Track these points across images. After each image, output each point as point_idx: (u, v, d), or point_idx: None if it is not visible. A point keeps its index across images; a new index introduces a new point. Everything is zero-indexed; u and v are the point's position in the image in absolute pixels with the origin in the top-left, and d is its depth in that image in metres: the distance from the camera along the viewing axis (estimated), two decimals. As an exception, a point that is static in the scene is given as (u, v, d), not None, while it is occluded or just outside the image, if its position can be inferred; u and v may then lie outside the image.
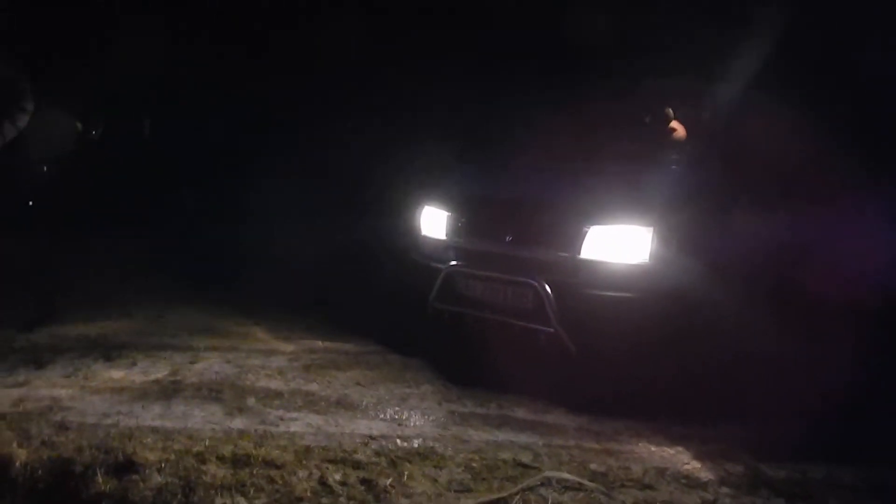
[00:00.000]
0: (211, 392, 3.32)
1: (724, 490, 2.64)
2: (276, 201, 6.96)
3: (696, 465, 2.84)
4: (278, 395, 3.34)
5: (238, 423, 2.99)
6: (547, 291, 3.43)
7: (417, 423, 3.13)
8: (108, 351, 3.90)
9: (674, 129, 4.22)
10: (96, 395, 3.23)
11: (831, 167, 4.36)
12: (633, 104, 4.49)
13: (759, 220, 3.82)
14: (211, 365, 3.74)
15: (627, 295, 3.35)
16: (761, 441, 3.06)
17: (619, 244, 3.40)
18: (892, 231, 4.54)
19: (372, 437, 2.92)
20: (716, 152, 3.87)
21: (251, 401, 3.24)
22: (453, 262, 3.83)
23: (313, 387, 3.49)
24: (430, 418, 3.19)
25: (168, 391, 3.31)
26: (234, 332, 4.50)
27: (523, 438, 3.03)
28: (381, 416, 3.18)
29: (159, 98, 8.74)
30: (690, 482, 2.69)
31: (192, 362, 3.78)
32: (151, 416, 3.02)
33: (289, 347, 4.21)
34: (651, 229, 3.35)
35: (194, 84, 8.68)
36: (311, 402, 3.27)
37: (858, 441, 3.15)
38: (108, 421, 2.93)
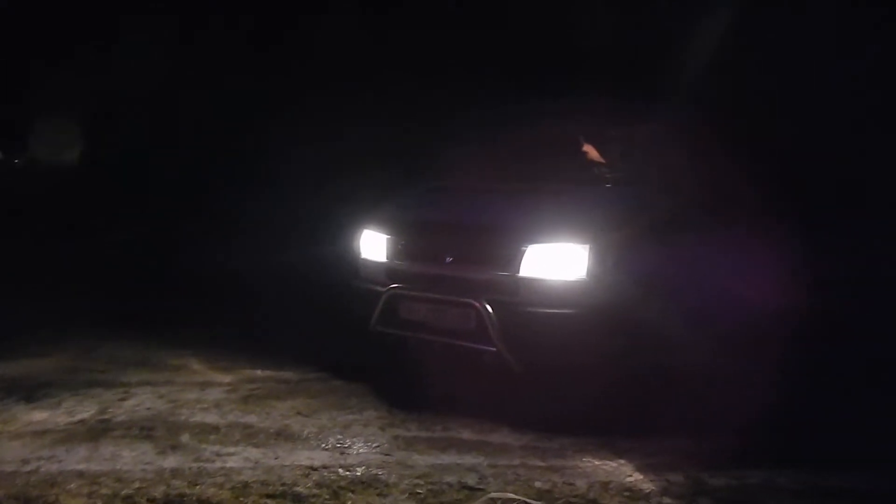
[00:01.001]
0: (142, 430, 3.17)
1: (667, 500, 2.68)
2: (213, 226, 6.81)
3: (639, 477, 2.87)
4: (214, 429, 3.22)
5: (171, 461, 2.86)
6: (488, 311, 3.44)
7: (360, 450, 3.06)
8: (31, 391, 3.69)
9: (586, 153, 4.33)
10: (16, 440, 3.03)
11: (758, 188, 4.58)
12: (569, 125, 4.61)
13: (690, 238, 3.95)
14: (142, 401, 3.58)
15: (566, 311, 3.39)
16: (701, 451, 3.12)
17: (557, 262, 3.44)
18: (808, 250, 4.80)
19: (313, 468, 2.84)
20: (649, 172, 3.98)
21: (185, 437, 3.11)
22: (394, 285, 3.80)
23: (252, 419, 3.37)
24: (374, 445, 3.13)
25: (95, 432, 3.14)
26: (169, 365, 4.32)
27: (469, 460, 3.00)
28: (323, 445, 3.10)
29: (96, 124, 8.48)
30: (634, 494, 2.72)
31: (122, 399, 3.61)
32: (77, 459, 2.85)
33: (226, 378, 4.07)
34: (587, 247, 3.40)
35: (130, 109, 8.46)
36: (249, 435, 3.16)
37: (792, 446, 3.26)
38: (29, 468, 2.76)
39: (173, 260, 6.94)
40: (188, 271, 6.45)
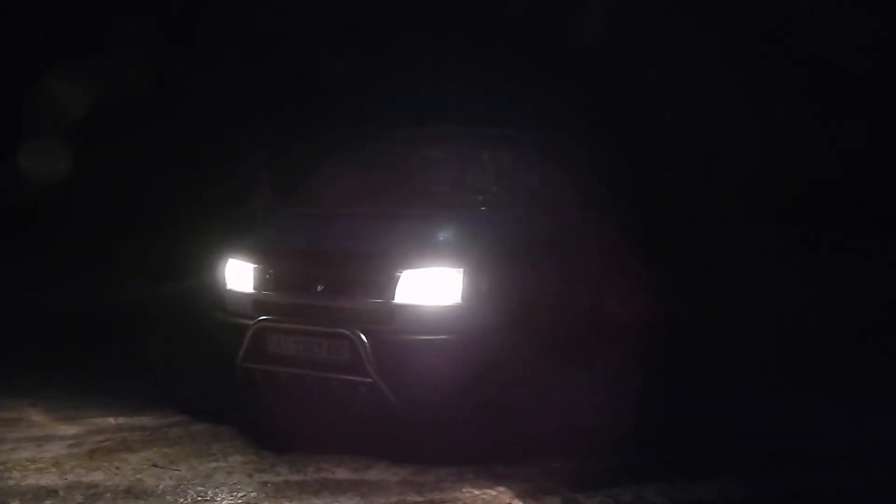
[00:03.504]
0: (-41, 501, 2.72)
1: (544, 525, 2.67)
2: (54, 260, 6.18)
3: (517, 503, 2.84)
4: (51, 492, 2.82)
5: (-7, 536, 2.47)
6: (362, 340, 3.31)
7: (224, 502, 2.80)
8: None
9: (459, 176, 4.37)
10: None
11: (629, 205, 4.83)
12: (441, 149, 4.62)
13: (564, 259, 4.05)
14: (-37, 466, 3.09)
15: (442, 337, 3.33)
16: (576, 472, 3.17)
17: (432, 287, 3.38)
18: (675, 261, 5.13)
19: (168, 529, 2.56)
20: (522, 194, 4.05)
21: (14, 505, 2.71)
22: (262, 317, 3.57)
23: (97, 476, 3.00)
24: (240, 495, 2.87)
25: None
26: (1, 419, 3.79)
27: (344, 501, 2.84)
28: (181, 500, 2.80)
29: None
30: (512, 522, 2.68)
31: (-64, 465, 3.10)
32: None
33: (71, 430, 3.63)
34: (461, 270, 3.38)
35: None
36: (93, 496, 2.80)
37: (660, 458, 3.39)
38: None
39: (8, 294, 6.20)
40: (24, 309, 5.78)
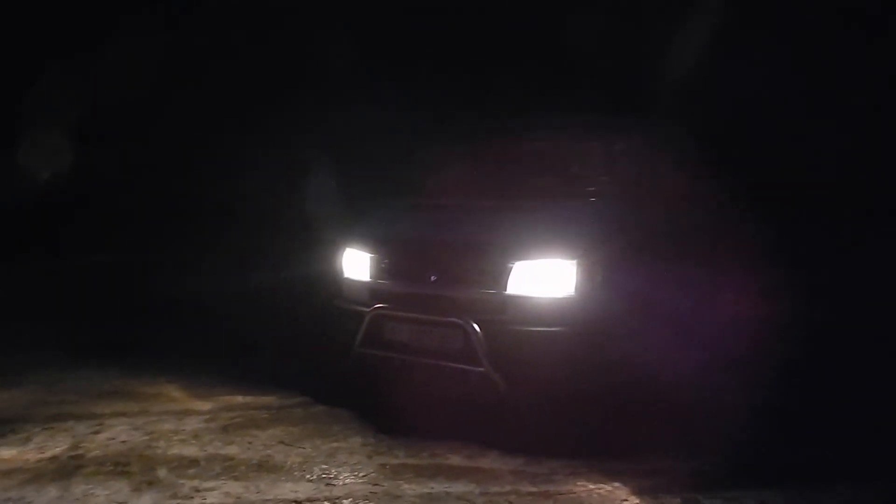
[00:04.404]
0: (116, 466, 3.02)
1: (665, 525, 2.61)
2: (193, 246, 6.66)
3: (635, 500, 2.80)
4: (193, 462, 3.08)
5: (147, 499, 2.72)
6: (475, 330, 3.36)
7: (347, 480, 2.95)
8: (-2, 426, 3.52)
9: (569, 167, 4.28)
10: (-19, 481, 2.87)
11: (739, 202, 4.60)
12: (551, 139, 4.56)
13: (677, 253, 3.92)
14: (117, 434, 3.42)
15: (555, 329, 3.32)
16: (694, 472, 3.07)
17: (545, 279, 3.37)
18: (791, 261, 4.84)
19: (297, 502, 2.72)
20: (632, 186, 3.94)
21: (162, 472, 2.97)
22: (378, 305, 3.70)
23: (232, 449, 3.24)
24: (361, 474, 3.01)
25: (67, 469, 2.99)
26: (144, 394, 4.16)
27: (459, 487, 2.90)
28: (308, 476, 2.98)
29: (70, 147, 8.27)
30: (631, 520, 2.65)
31: (95, 432, 3.45)
32: (47, 500, 2.70)
33: (205, 406, 3.93)
34: (575, 262, 3.34)
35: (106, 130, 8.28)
36: (229, 468, 3.03)
37: (783, 463, 3.22)
38: (-6, 511, 2.60)
39: (145, 283, 6.77)
40: (161, 294, 6.29)
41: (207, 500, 2.71)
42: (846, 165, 6.25)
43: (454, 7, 7.22)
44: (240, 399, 4.08)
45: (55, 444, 3.29)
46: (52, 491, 2.78)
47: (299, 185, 7.08)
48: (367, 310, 3.71)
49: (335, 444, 3.34)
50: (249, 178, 7.54)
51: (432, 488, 2.89)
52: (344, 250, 4.07)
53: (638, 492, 2.87)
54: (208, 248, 7.20)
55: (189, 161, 8.00)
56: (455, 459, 3.20)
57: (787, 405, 3.89)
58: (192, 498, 2.74)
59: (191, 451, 3.22)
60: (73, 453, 3.17)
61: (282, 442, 3.35)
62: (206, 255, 7.17)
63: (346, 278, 4.02)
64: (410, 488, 2.88)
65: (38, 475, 2.93)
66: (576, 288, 3.33)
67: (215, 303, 6.25)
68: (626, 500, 2.81)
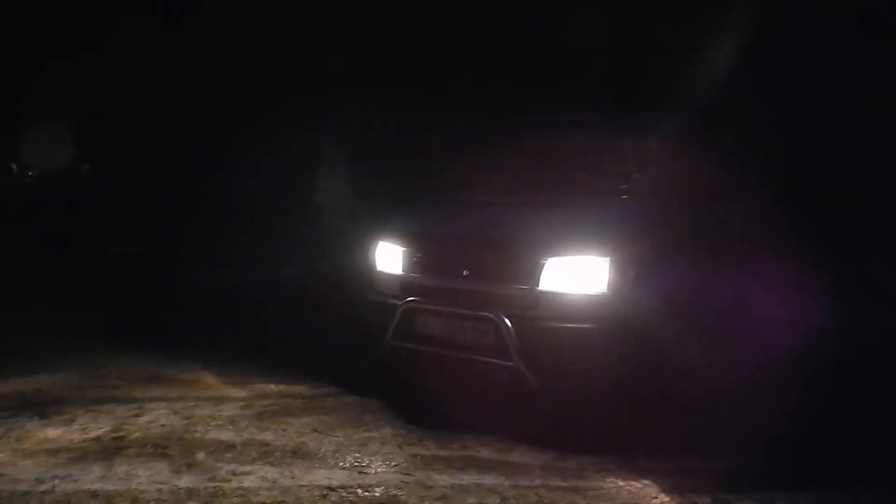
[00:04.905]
0: (157, 448, 3.12)
1: (695, 524, 2.61)
2: (215, 240, 6.79)
3: (665, 499, 2.80)
4: (230, 447, 3.17)
5: (186, 481, 2.81)
6: (507, 325, 3.38)
7: (379, 469, 3.01)
8: (44, 407, 3.65)
9: (599, 164, 4.27)
10: (30, 459, 2.99)
11: (770, 201, 4.53)
12: (580, 136, 4.55)
13: (710, 251, 3.89)
14: (156, 417, 3.53)
15: (587, 326, 3.33)
16: (724, 472, 3.05)
17: (577, 275, 3.38)
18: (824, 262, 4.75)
19: (331, 489, 2.78)
20: (664, 184, 3.92)
21: (200, 455, 3.06)
22: (410, 299, 3.75)
23: (267, 436, 3.32)
24: (392, 464, 3.07)
25: (110, 450, 3.10)
26: (181, 380, 4.27)
27: (489, 480, 2.94)
28: (341, 464, 3.04)
29: (99, 140, 8.49)
30: (661, 517, 2.65)
31: (135, 415, 3.56)
32: (91, 478, 2.80)
33: (240, 393, 4.02)
34: (608, 259, 3.35)
35: (133, 123, 8.46)
36: (265, 454, 3.11)
37: (815, 465, 3.18)
38: (43, 487, 2.71)
39: (176, 274, 6.92)
40: (192, 285, 6.41)
41: (245, 484, 2.79)
42: (880, 162, 6.11)
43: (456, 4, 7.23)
44: (273, 388, 4.17)
45: (98, 426, 3.41)
46: (97, 470, 2.88)
47: (314, 179, 7.17)
48: (400, 303, 3.76)
49: (366, 434, 3.40)
50: (271, 172, 7.64)
51: (462, 480, 2.93)
52: (377, 244, 4.13)
53: (668, 490, 2.87)
54: (237, 241, 7.34)
55: (213, 156, 8.15)
56: (485, 452, 3.24)
57: (823, 406, 3.84)
58: (230, 481, 2.82)
59: (227, 436, 3.30)
60: (115, 435, 3.28)
61: (315, 430, 3.42)
62: (235, 248, 7.31)
63: (379, 271, 4.07)
64: (441, 479, 2.92)
65: (83, 454, 3.04)
66: (608, 285, 3.34)
67: (246, 294, 6.37)
68: (655, 497, 2.82)
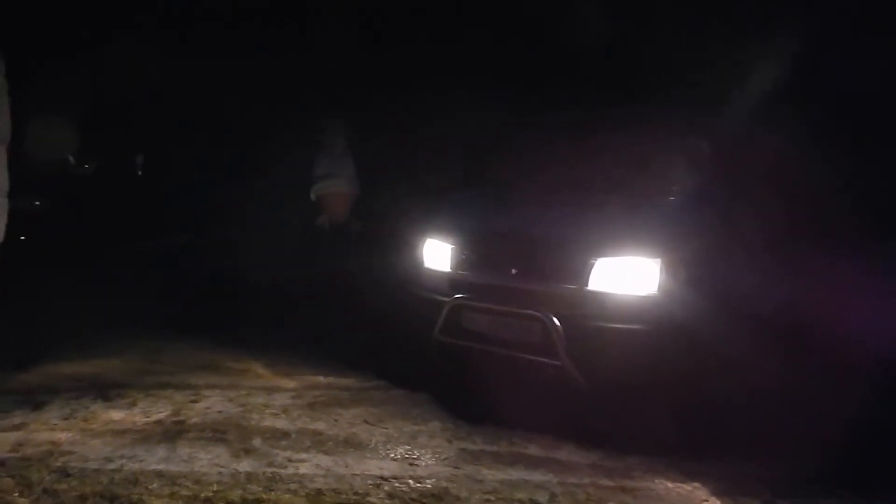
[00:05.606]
0: (215, 433, 3.24)
1: (746, 527, 2.61)
2: (262, 233, 6.91)
3: (715, 501, 2.81)
4: (285, 434, 3.27)
5: (245, 465, 2.91)
6: (555, 324, 3.41)
7: (429, 462, 3.07)
8: (106, 390, 3.80)
9: (647, 164, 4.22)
10: (97, 438, 3.13)
11: (834, 207, 4.44)
12: (629, 135, 4.53)
13: (761, 253, 3.85)
14: (213, 404, 3.65)
15: (636, 327, 3.34)
16: (773, 476, 3.04)
17: (627, 276, 3.40)
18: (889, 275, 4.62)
19: (384, 479, 2.86)
20: (714, 185, 3.89)
21: (257, 441, 3.16)
22: (458, 295, 3.80)
23: (320, 425, 3.41)
24: (442, 457, 3.13)
25: (171, 433, 3.22)
26: (233, 369, 4.41)
27: (537, 476, 2.98)
28: (392, 455, 3.12)
29: (151, 133, 8.71)
30: (711, 520, 2.66)
31: (193, 401, 3.69)
32: (156, 459, 2.93)
33: (290, 384, 4.13)
34: (659, 261, 3.35)
35: (183, 118, 8.65)
36: (318, 442, 3.20)
37: (867, 472, 3.14)
38: (112, 466, 2.84)
39: (222, 265, 7.09)
40: (238, 276, 6.55)
41: (301, 471, 2.88)
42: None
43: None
44: (321, 379, 4.27)
45: (158, 410, 3.54)
46: (160, 451, 3.01)
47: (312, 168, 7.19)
48: (447, 299, 3.81)
49: (416, 427, 3.46)
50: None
51: (511, 475, 2.97)
52: (424, 240, 4.19)
53: (718, 493, 2.87)
54: (280, 235, 7.45)
55: (252, 150, 8.27)
56: (532, 449, 3.28)
57: (881, 413, 3.77)
58: (286, 467, 2.91)
59: (281, 424, 3.41)
60: (175, 419, 3.41)
61: (365, 421, 3.50)
62: (281, 242, 7.43)
63: (426, 268, 4.13)
64: (490, 474, 2.97)
65: (147, 436, 3.17)
66: (659, 286, 3.34)
67: (289, 285, 6.49)
68: (706, 500, 2.83)
